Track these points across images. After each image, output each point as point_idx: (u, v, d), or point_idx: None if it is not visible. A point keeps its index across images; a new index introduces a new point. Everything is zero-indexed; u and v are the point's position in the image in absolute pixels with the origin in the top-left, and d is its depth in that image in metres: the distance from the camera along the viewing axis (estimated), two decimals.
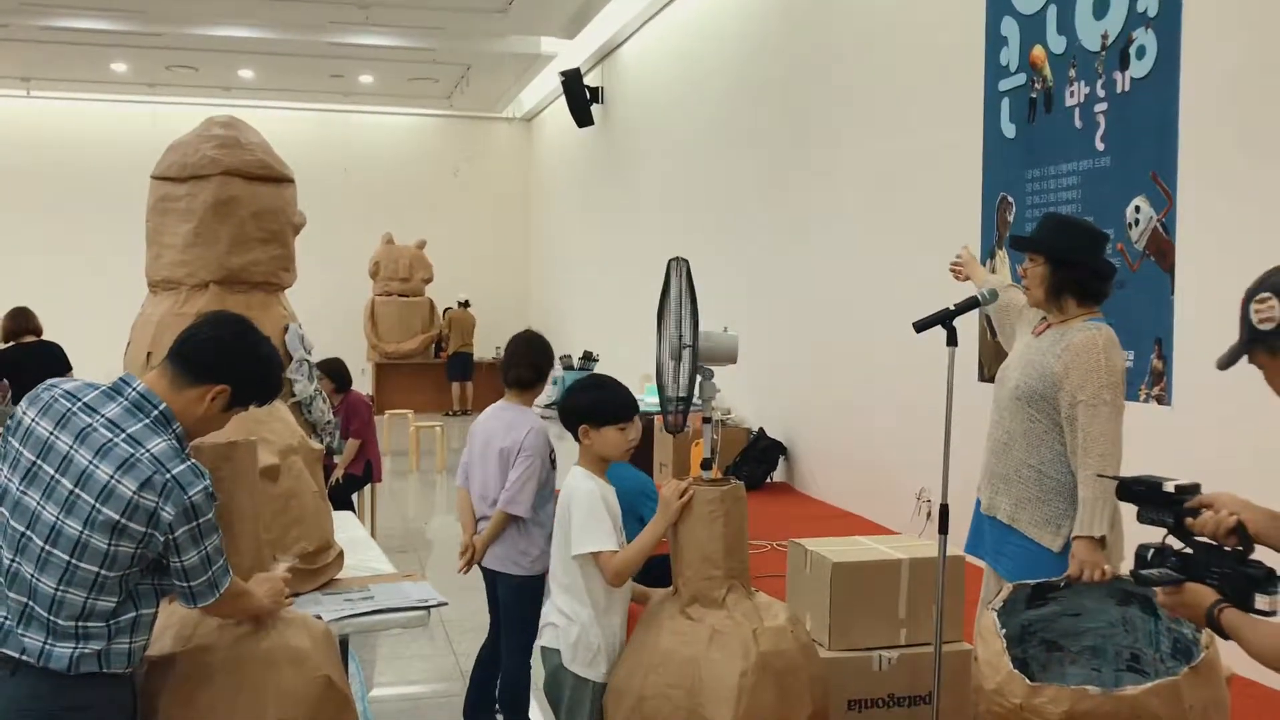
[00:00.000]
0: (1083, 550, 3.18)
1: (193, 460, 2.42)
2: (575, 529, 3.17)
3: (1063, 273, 3.39)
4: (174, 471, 2.34)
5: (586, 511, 3.17)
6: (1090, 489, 3.23)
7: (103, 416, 2.38)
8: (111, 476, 2.31)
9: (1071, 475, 3.35)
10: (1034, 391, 3.38)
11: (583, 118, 14.57)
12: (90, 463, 2.32)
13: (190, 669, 2.58)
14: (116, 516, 2.30)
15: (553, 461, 4.33)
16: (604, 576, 3.16)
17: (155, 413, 2.42)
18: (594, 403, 3.32)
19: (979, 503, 3.65)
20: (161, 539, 2.35)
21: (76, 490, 2.31)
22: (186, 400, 2.48)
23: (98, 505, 2.30)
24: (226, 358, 2.53)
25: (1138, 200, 5.01)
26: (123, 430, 2.36)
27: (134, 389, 2.44)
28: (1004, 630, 2.86)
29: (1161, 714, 2.55)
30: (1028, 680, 2.67)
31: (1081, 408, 3.27)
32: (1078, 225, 3.65)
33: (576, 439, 3.35)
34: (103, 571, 2.32)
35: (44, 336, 8.22)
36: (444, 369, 16.82)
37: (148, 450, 2.35)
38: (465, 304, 17.20)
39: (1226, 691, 2.76)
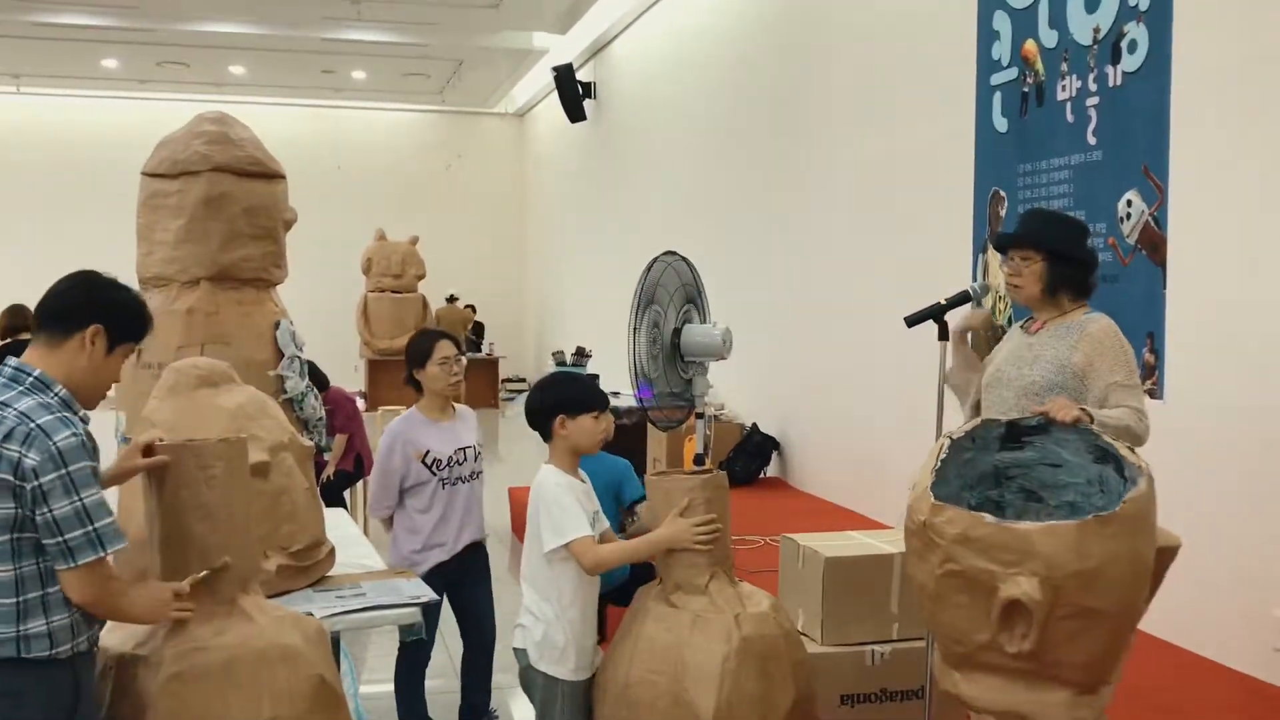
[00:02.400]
0: (1067, 400, 3.05)
1: (66, 414, 2.38)
2: (544, 526, 3.16)
3: (1059, 267, 3.34)
4: (39, 421, 2.33)
5: (553, 506, 3.16)
6: (1120, 415, 3.11)
7: None
8: None
9: None
10: (1052, 384, 3.29)
11: (575, 113, 14.55)
12: None
13: (182, 669, 2.56)
14: None
15: (430, 462, 4.15)
16: (581, 564, 3.14)
17: (29, 380, 2.42)
18: (568, 394, 3.33)
19: None
20: (29, 489, 2.30)
21: None
22: (66, 355, 2.47)
23: None
24: (88, 298, 2.52)
25: (1129, 194, 5.01)
26: None
27: (9, 365, 2.45)
28: (944, 455, 2.83)
29: (1053, 557, 2.47)
30: (934, 499, 2.64)
31: (1115, 389, 3.21)
32: (1066, 219, 3.62)
33: (547, 437, 3.33)
34: None
35: None
36: None
37: (14, 409, 2.35)
38: (453, 299, 17.15)
39: (1148, 550, 2.63)
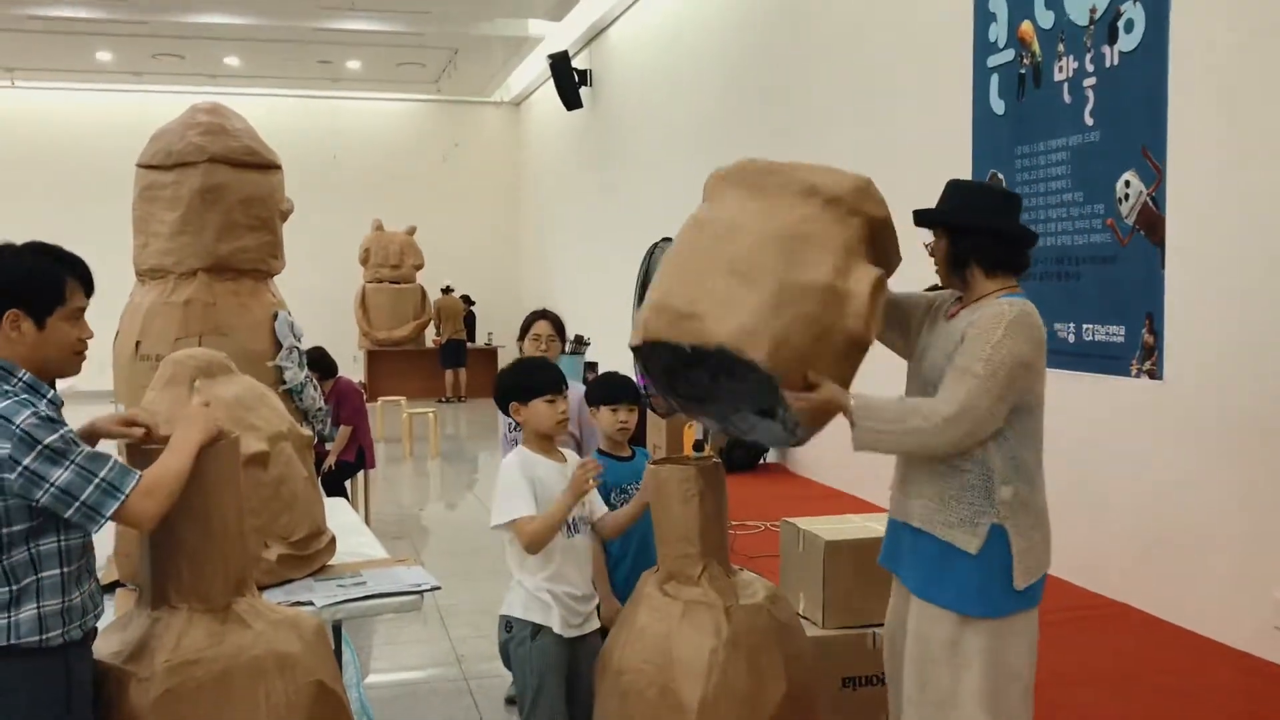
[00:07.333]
0: (835, 393, 2.91)
1: (26, 397, 2.33)
2: (493, 505, 3.31)
3: (963, 242, 2.97)
4: None
5: (501, 486, 3.29)
6: (910, 405, 2.86)
7: None
8: None
9: (989, 468, 2.79)
10: (942, 375, 2.85)
11: (571, 101, 14.52)
12: None
13: (174, 685, 2.48)
14: None
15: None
16: (520, 543, 3.24)
17: None
18: (515, 382, 3.45)
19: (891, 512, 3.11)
20: (14, 478, 2.26)
21: None
22: (5, 344, 2.38)
23: None
24: None
25: (1128, 175, 5.01)
26: None
27: None
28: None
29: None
30: None
31: (950, 371, 2.78)
32: (980, 188, 3.33)
33: (511, 419, 3.51)
34: None
35: None
36: (437, 356, 16.78)
37: None
38: (449, 290, 17.13)
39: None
